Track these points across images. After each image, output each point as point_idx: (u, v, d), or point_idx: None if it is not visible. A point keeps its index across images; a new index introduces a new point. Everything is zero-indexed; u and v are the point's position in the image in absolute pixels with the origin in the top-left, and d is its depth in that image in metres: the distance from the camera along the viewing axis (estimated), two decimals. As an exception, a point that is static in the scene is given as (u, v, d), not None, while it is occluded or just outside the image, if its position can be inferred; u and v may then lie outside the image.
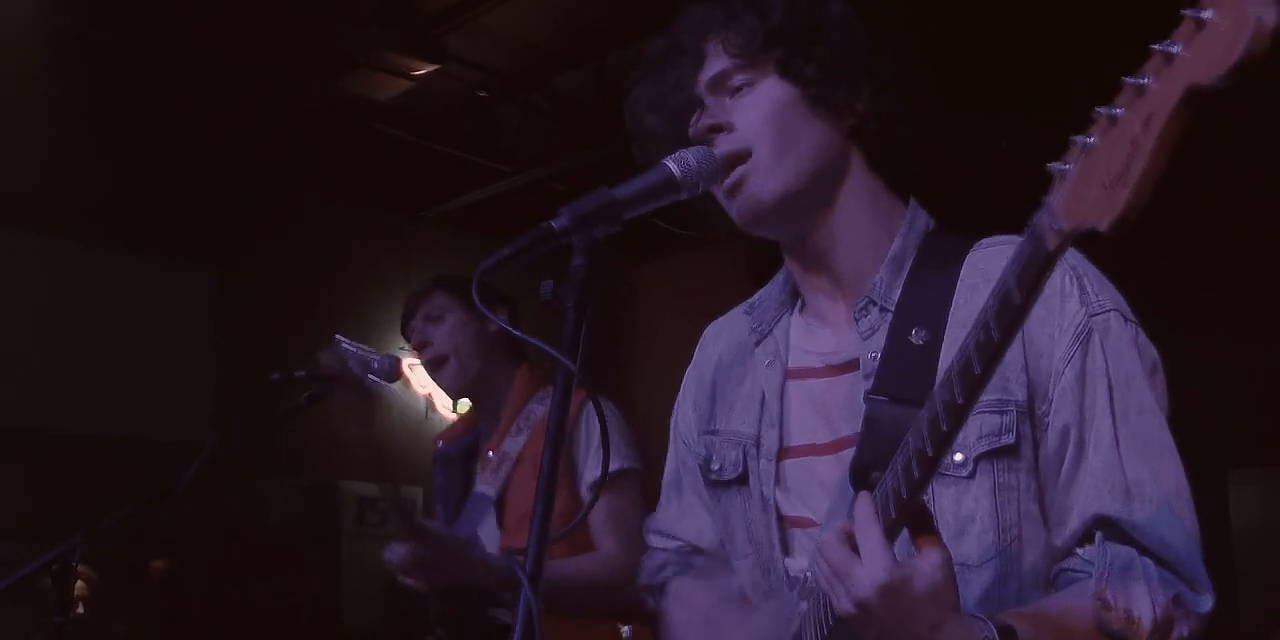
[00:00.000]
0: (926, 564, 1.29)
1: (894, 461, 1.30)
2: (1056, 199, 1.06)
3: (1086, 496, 1.44)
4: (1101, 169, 0.99)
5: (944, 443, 1.25)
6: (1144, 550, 1.41)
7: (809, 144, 1.60)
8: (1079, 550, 1.45)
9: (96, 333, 6.42)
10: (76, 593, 5.27)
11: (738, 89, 1.61)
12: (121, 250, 6.60)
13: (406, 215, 7.88)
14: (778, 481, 1.65)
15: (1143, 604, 1.36)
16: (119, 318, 6.53)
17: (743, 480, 1.70)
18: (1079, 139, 1.03)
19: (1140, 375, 1.49)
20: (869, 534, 1.30)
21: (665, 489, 1.92)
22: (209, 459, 2.68)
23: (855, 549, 1.31)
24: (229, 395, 6.65)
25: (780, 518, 1.65)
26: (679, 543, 1.90)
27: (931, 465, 1.27)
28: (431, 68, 6.01)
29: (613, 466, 2.90)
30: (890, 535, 1.30)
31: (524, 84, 6.64)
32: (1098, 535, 1.43)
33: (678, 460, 1.90)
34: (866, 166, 1.65)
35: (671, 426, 1.91)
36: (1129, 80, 0.97)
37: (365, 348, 2.89)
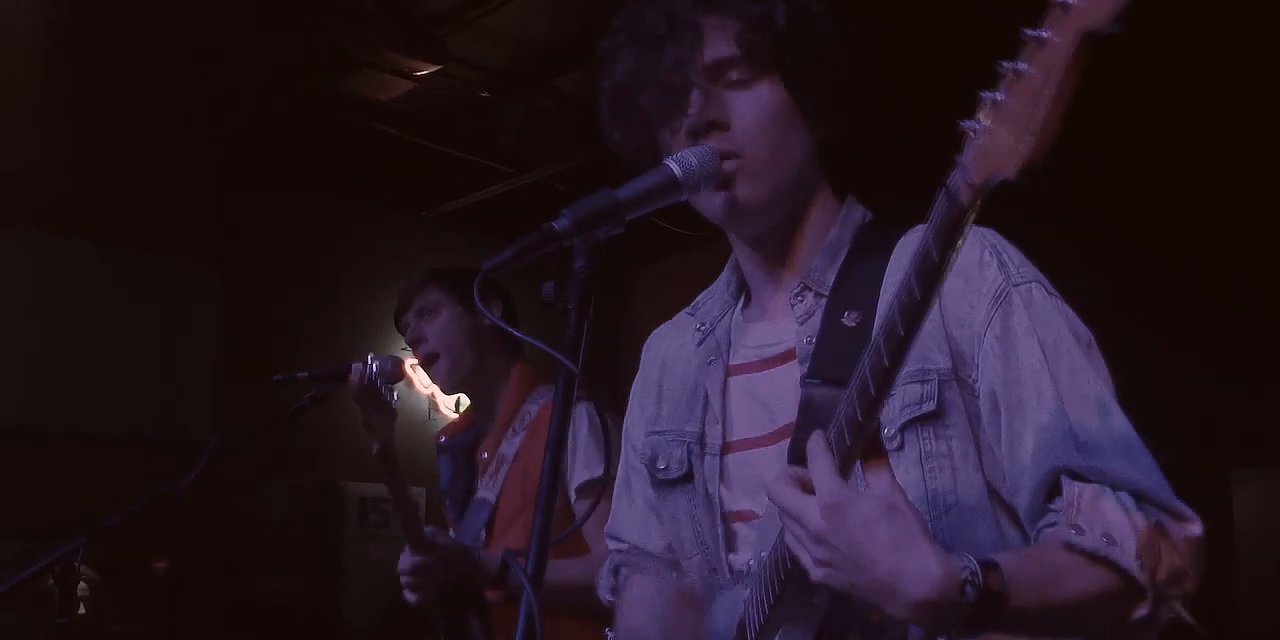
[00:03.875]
0: (874, 487, 1.26)
1: (828, 432, 1.30)
2: (968, 155, 1.07)
3: (1039, 453, 1.40)
4: (1009, 122, 1.02)
5: (872, 408, 1.24)
6: (1115, 487, 1.35)
7: (796, 150, 1.62)
8: (1050, 504, 1.38)
9: (98, 331, 6.43)
10: (79, 593, 5.28)
11: (735, 82, 1.60)
12: (123, 249, 6.61)
13: (409, 215, 7.88)
14: (721, 478, 1.66)
15: (1122, 529, 1.29)
16: (121, 317, 6.53)
17: (688, 478, 1.71)
18: (987, 95, 1.05)
19: (1070, 340, 1.46)
20: (819, 465, 1.27)
21: (616, 494, 1.93)
22: (212, 459, 2.68)
23: (807, 489, 1.28)
24: (231, 395, 6.66)
25: (724, 514, 1.65)
26: (628, 545, 1.91)
27: (861, 431, 1.26)
28: (434, 68, 6.01)
29: (595, 473, 2.88)
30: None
31: (526, 84, 6.63)
32: (1063, 478, 1.37)
33: (627, 465, 1.91)
34: (823, 169, 1.68)
35: (623, 435, 1.92)
36: (1029, 32, 1.00)
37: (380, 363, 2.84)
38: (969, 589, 1.19)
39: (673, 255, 7.71)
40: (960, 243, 1.13)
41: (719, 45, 1.60)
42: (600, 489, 2.84)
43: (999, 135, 1.03)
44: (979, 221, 1.20)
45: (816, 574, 1.27)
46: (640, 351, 1.94)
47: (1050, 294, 1.50)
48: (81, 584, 5.28)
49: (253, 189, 7.02)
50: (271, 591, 6.87)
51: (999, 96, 1.03)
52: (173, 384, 6.63)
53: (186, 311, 6.85)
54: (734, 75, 1.60)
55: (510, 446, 3.08)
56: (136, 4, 5.46)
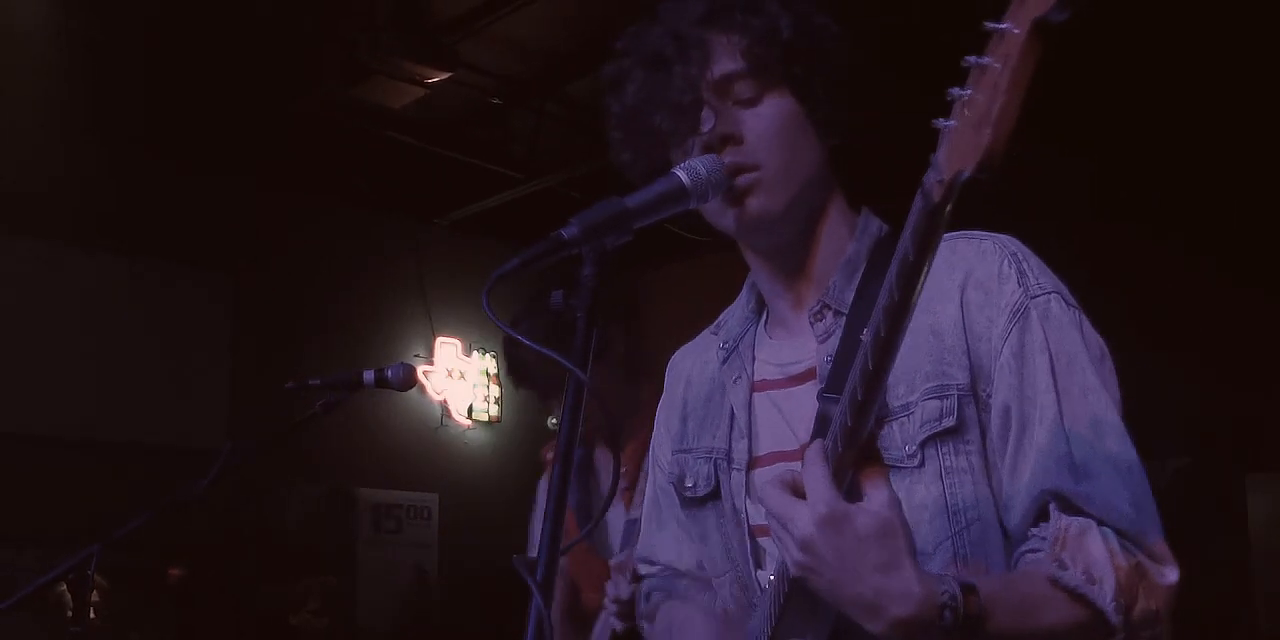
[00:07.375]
0: (873, 501, 1.26)
1: (825, 440, 1.31)
2: (941, 154, 1.07)
3: (1034, 473, 1.41)
4: (974, 117, 1.02)
5: (861, 413, 1.25)
6: (1101, 522, 1.36)
7: (809, 160, 1.61)
8: (1034, 529, 1.40)
9: (112, 340, 6.46)
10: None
11: (745, 99, 1.60)
12: (136, 257, 6.64)
13: (421, 222, 7.90)
14: (748, 492, 1.65)
15: (1103, 568, 1.31)
16: (134, 325, 6.56)
17: (715, 495, 1.70)
18: (955, 91, 1.05)
19: (1084, 356, 1.46)
20: (813, 473, 1.28)
21: (645, 516, 1.93)
22: (225, 467, 2.68)
23: (798, 494, 1.29)
24: (244, 402, 6.68)
25: (752, 529, 1.64)
26: (660, 567, 1.90)
27: (852, 438, 1.27)
28: (445, 75, 6.03)
29: None
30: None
31: (537, 91, 6.65)
32: (1051, 507, 1.39)
33: (655, 486, 1.90)
34: (838, 179, 1.68)
35: (650, 458, 1.91)
36: (991, 25, 1.01)
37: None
38: (947, 613, 1.24)
39: (681, 261, 7.71)
40: (937, 241, 1.13)
41: (726, 61, 1.60)
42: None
43: (965, 131, 1.03)
44: (996, 227, 1.17)
45: (795, 567, 1.30)
46: (647, 355, 1.93)
47: (1068, 306, 1.49)
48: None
49: (264, 196, 7.05)
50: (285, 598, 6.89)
51: (966, 92, 1.04)
52: (186, 391, 6.66)
53: (199, 320, 6.88)
54: (743, 90, 1.60)
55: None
56: (151, 16, 5.50)
